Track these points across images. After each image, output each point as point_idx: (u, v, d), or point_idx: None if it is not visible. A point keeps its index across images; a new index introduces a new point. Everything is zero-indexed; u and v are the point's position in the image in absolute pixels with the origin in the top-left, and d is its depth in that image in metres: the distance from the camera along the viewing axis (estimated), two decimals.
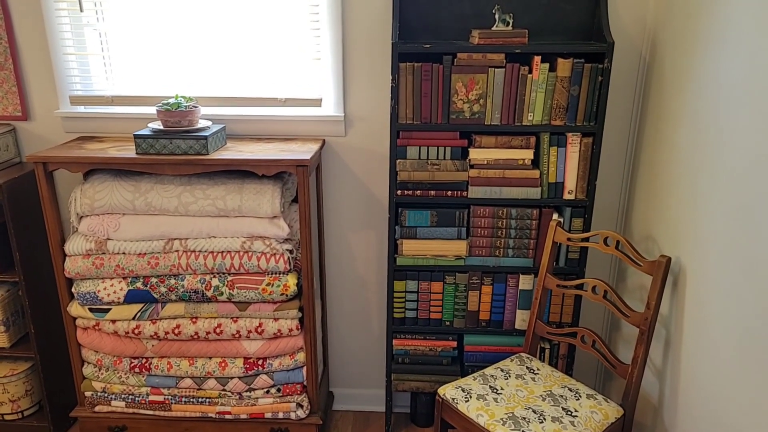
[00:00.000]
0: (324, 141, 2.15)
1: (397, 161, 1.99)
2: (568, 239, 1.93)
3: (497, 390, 1.83)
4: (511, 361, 1.99)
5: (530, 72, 1.88)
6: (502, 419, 1.69)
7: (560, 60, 1.86)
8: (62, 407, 2.33)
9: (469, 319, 2.17)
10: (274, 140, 2.13)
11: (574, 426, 1.67)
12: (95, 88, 2.18)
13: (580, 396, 1.80)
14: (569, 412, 1.72)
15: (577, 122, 1.92)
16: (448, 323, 2.18)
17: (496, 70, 1.88)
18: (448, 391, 1.83)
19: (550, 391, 1.82)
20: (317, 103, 2.11)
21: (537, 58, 1.86)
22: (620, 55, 2.03)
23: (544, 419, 1.69)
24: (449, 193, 2.02)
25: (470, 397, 1.80)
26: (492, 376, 1.90)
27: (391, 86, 1.91)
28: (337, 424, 2.44)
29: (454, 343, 2.19)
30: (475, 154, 1.98)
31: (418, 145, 1.99)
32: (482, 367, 2.18)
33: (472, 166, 2.00)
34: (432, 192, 2.02)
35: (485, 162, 1.99)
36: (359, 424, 2.43)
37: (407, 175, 2.01)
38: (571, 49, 1.88)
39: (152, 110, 2.15)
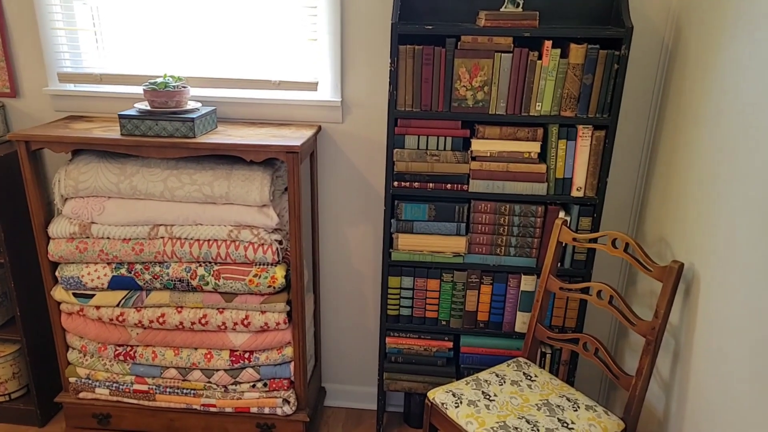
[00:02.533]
0: (320, 127, 2.05)
1: (395, 151, 1.88)
2: (574, 239, 1.80)
3: (490, 396, 1.72)
4: (508, 365, 1.88)
5: (540, 58, 1.75)
6: (492, 428, 1.59)
7: (573, 45, 1.73)
8: (49, 391, 2.28)
9: (466, 320, 2.06)
10: (267, 125, 2.03)
11: None
12: (85, 66, 2.10)
13: (579, 407, 1.68)
14: (565, 424, 1.61)
15: (589, 114, 1.78)
16: (444, 323, 2.07)
17: (503, 55, 1.75)
18: (438, 395, 1.73)
19: (547, 400, 1.71)
20: (313, 86, 2.00)
21: (548, 43, 1.73)
22: (639, 41, 1.88)
23: (538, 430, 1.58)
24: (449, 186, 1.91)
25: (461, 402, 1.69)
26: (486, 381, 1.79)
27: (390, 70, 1.79)
28: (328, 420, 2.36)
29: (450, 344, 2.09)
30: (477, 145, 1.86)
31: (417, 134, 1.87)
32: (479, 370, 2.08)
33: (473, 158, 1.88)
34: (431, 184, 1.91)
35: (488, 154, 1.87)
36: (351, 422, 2.35)
37: (405, 166, 1.89)
38: (586, 34, 1.74)
39: (139, 90, 2.06)
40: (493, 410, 1.66)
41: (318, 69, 2.02)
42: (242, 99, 2.04)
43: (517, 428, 1.59)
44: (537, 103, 1.80)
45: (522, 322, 2.03)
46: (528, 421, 1.62)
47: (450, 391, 1.75)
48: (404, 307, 2.07)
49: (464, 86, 1.80)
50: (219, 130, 1.94)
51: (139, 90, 2.07)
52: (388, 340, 2.10)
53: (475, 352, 2.07)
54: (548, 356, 2.04)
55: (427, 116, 1.84)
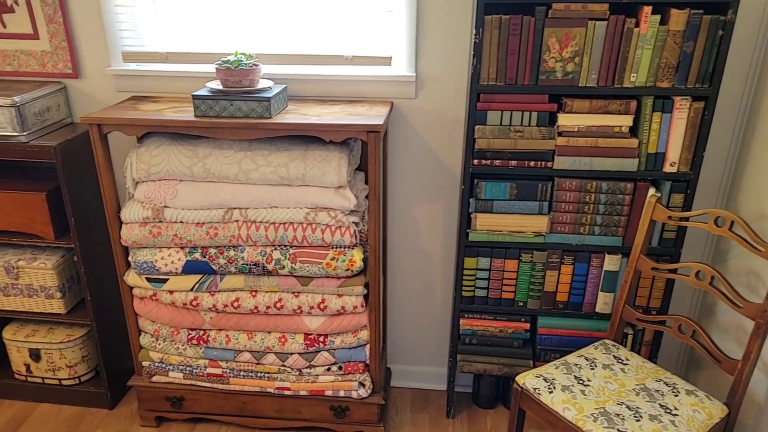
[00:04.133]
0: (392, 104, 1.96)
1: (476, 127, 1.80)
2: (669, 217, 1.72)
3: (583, 381, 1.67)
4: (596, 348, 1.82)
5: (637, 25, 1.64)
6: (592, 415, 1.54)
7: (674, 11, 1.61)
8: (118, 373, 2.29)
9: (544, 300, 2.00)
10: (339, 102, 1.95)
11: (676, 426, 1.50)
12: (146, 44, 2.03)
13: (679, 392, 1.62)
14: (668, 410, 1.55)
15: (688, 84, 1.68)
16: (521, 303, 2.01)
17: (597, 22, 1.65)
18: (528, 380, 1.69)
19: (644, 384, 1.66)
20: (387, 61, 1.91)
21: (647, 9, 1.61)
22: (745, 5, 1.75)
23: (641, 417, 1.53)
24: (532, 163, 1.83)
25: (554, 388, 1.65)
26: (576, 365, 1.74)
27: (474, 42, 1.69)
28: (395, 401, 2.34)
29: (527, 325, 2.04)
30: (564, 120, 1.77)
31: (501, 110, 1.78)
32: (557, 352, 2.04)
33: (560, 134, 1.79)
34: (513, 162, 1.83)
35: (575, 129, 1.78)
36: (418, 402, 2.33)
37: (486, 143, 1.81)
38: None
39: (206, 68, 1.99)
40: (590, 396, 1.61)
41: (393, 42, 1.92)
42: (311, 75, 1.96)
43: (618, 414, 1.54)
44: (632, 74, 1.69)
45: (604, 302, 1.97)
46: (629, 407, 1.57)
47: (541, 375, 1.70)
48: (479, 288, 2.01)
49: (553, 57, 1.70)
50: (291, 109, 1.86)
51: (198, 68, 2.00)
52: (462, 321, 2.06)
53: (554, 334, 2.02)
54: (630, 337, 1.98)
55: (512, 90, 1.75)
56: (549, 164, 1.82)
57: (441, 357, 2.36)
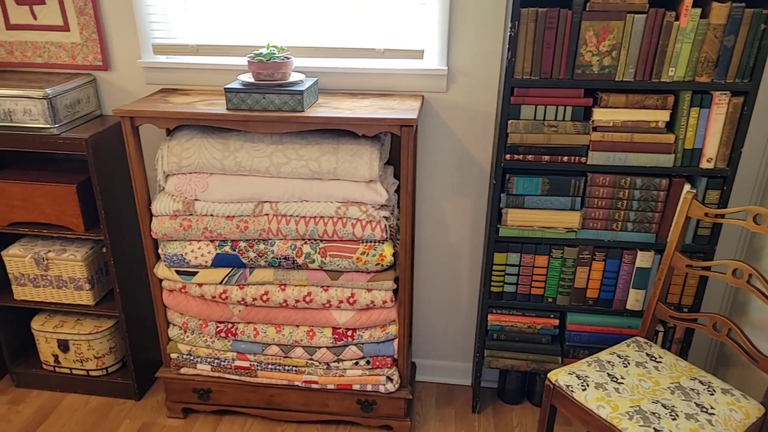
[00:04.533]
0: (423, 97, 1.95)
1: (509, 122, 1.78)
2: (705, 214, 1.69)
3: (617, 379, 1.66)
4: (628, 346, 1.81)
5: (677, 19, 1.61)
6: (627, 413, 1.53)
7: (715, 4, 1.58)
8: (145, 365, 2.31)
9: (574, 297, 1.98)
10: (369, 96, 1.94)
11: (713, 425, 1.49)
12: (176, 36, 2.02)
13: (714, 391, 1.61)
14: (704, 409, 1.54)
15: (728, 79, 1.65)
16: (550, 300, 2.00)
17: (635, 16, 1.62)
18: (561, 377, 1.68)
19: (678, 383, 1.64)
20: (419, 54, 1.89)
21: (687, 2, 1.58)
22: None
23: (677, 415, 1.52)
24: (565, 158, 1.81)
25: (587, 385, 1.64)
26: (609, 362, 1.73)
27: (509, 35, 1.67)
28: (420, 395, 2.34)
29: (556, 321, 2.03)
30: (600, 114, 1.75)
31: (535, 104, 1.76)
32: (585, 348, 2.03)
33: (595, 129, 1.77)
34: (546, 157, 1.81)
35: (611, 124, 1.76)
36: (443, 397, 2.33)
37: (519, 138, 1.79)
38: None
39: (235, 61, 1.99)
40: (624, 394, 1.60)
41: (424, 36, 1.90)
42: (341, 69, 1.95)
43: (654, 413, 1.53)
44: (670, 69, 1.67)
45: (635, 299, 1.95)
46: (664, 406, 1.55)
47: (573, 372, 1.69)
48: (508, 284, 2.00)
49: (590, 51, 1.68)
50: (321, 102, 1.85)
51: (231, 61, 1.99)
52: (490, 317, 2.05)
53: (583, 330, 2.01)
54: (660, 334, 1.97)
55: (547, 84, 1.73)
56: (583, 159, 1.80)
57: (466, 352, 2.36)
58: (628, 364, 1.72)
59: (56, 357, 2.28)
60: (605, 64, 1.69)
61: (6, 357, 2.33)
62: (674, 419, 1.51)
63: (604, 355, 1.77)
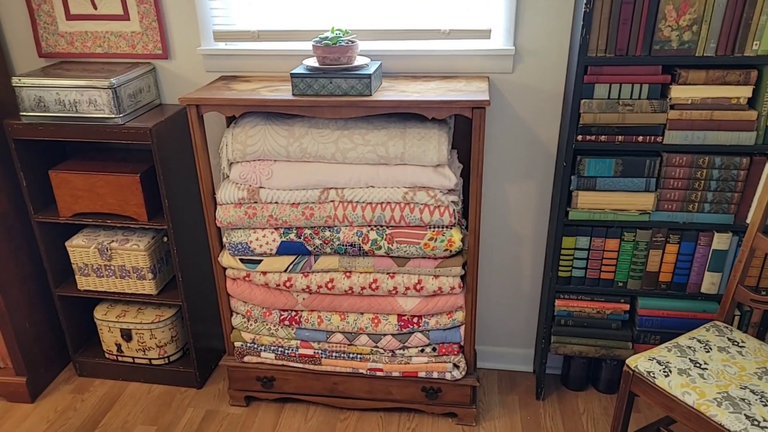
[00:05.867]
0: (488, 78, 1.90)
1: (582, 101, 1.72)
2: None
3: (700, 364, 1.61)
4: (707, 330, 1.75)
5: None
6: (716, 399, 1.49)
7: None
8: (206, 353, 2.32)
9: (646, 281, 1.93)
10: (434, 78, 1.90)
11: None
12: (235, 23, 2.01)
13: None
14: None
15: None
16: (621, 284, 1.95)
17: None
18: (641, 363, 1.63)
19: (765, 368, 1.59)
20: (486, 34, 1.84)
21: None
22: None
23: None
24: (640, 138, 1.75)
25: (670, 371, 1.59)
26: (689, 347, 1.68)
27: (584, 12, 1.61)
28: (482, 382, 2.32)
29: (626, 306, 1.98)
30: (678, 92, 1.68)
31: (609, 83, 1.71)
32: (657, 334, 1.98)
33: (672, 107, 1.70)
34: (620, 137, 1.75)
35: (689, 102, 1.69)
36: (505, 384, 2.30)
37: (592, 118, 1.74)
38: None
39: (296, 46, 1.96)
40: (710, 380, 1.55)
41: (490, 15, 1.85)
42: (405, 51, 1.91)
43: (744, 399, 1.48)
44: (755, 42, 1.60)
45: (710, 282, 1.89)
46: (753, 392, 1.50)
47: (654, 358, 1.64)
48: (577, 268, 1.96)
49: (669, 26, 1.61)
50: (386, 86, 1.82)
51: (291, 46, 1.97)
52: (557, 302, 2.01)
53: (655, 315, 1.96)
54: (736, 318, 1.91)
55: (623, 61, 1.67)
56: (659, 139, 1.74)
57: (527, 338, 2.32)
58: (710, 349, 1.67)
59: (119, 346, 2.31)
60: (685, 39, 1.62)
61: (69, 346, 2.37)
62: (765, 405, 1.46)
63: (683, 340, 1.72)
